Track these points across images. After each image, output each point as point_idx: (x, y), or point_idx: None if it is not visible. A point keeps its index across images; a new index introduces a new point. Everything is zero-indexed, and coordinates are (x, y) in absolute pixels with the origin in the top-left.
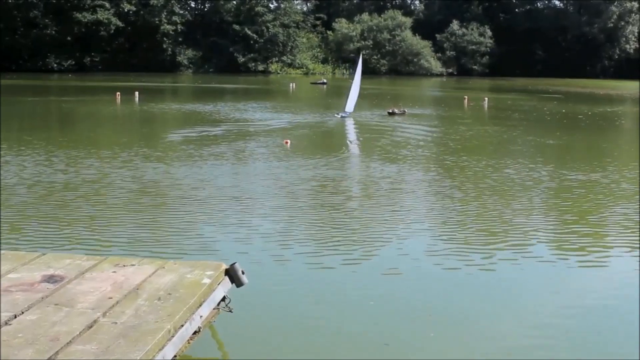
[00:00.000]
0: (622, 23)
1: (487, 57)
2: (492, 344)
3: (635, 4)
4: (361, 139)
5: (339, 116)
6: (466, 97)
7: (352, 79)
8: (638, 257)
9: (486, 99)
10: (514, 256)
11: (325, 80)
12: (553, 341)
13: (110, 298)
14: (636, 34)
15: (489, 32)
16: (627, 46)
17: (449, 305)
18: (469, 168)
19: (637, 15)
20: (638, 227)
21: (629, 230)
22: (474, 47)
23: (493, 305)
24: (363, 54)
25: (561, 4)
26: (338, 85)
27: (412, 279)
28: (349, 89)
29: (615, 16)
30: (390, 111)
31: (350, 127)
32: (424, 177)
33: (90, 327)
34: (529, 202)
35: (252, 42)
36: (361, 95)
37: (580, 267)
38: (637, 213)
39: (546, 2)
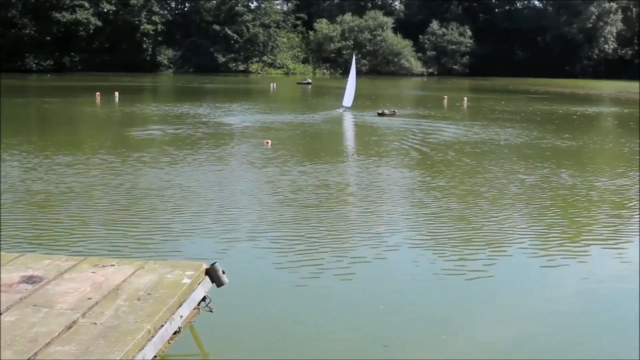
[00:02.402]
0: (601, 23)
1: (468, 57)
2: (476, 345)
3: (614, 5)
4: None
5: (339, 110)
6: (446, 97)
7: (346, 78)
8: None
9: (465, 98)
10: (494, 257)
11: (310, 80)
12: (538, 342)
13: (90, 299)
14: (615, 34)
15: (469, 32)
16: (606, 46)
17: (431, 307)
18: (450, 169)
19: (616, 16)
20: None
21: (610, 230)
22: (454, 47)
23: (477, 307)
24: (355, 56)
25: (540, 4)
26: (319, 85)
27: (394, 280)
28: (344, 87)
29: (594, 16)
30: (380, 112)
31: (336, 127)
32: (408, 177)
33: (69, 327)
34: (512, 203)
35: (232, 42)
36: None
37: (559, 266)
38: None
39: (526, 2)
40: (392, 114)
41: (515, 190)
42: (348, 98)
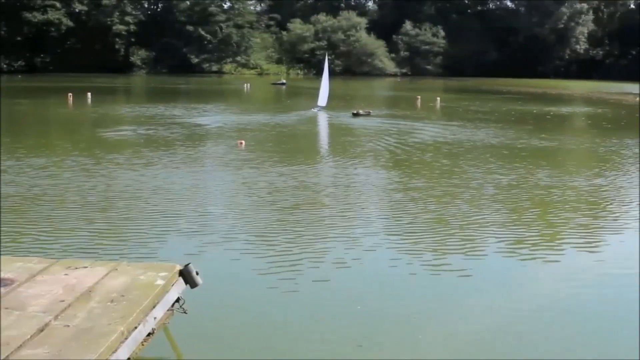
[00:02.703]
0: (572, 24)
1: (441, 57)
2: (453, 344)
3: (585, 5)
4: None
5: (314, 110)
6: (419, 97)
7: (320, 78)
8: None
9: (438, 99)
10: (472, 257)
11: (284, 81)
12: (514, 340)
13: (62, 301)
14: (586, 34)
15: (442, 33)
16: (577, 47)
17: (407, 307)
18: (426, 170)
19: (587, 16)
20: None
21: (585, 230)
22: (427, 47)
23: (453, 306)
24: (329, 57)
25: (513, 5)
26: (293, 85)
27: (370, 281)
28: (319, 87)
29: (565, 17)
30: (355, 112)
31: (311, 127)
32: (385, 177)
33: (41, 330)
34: (489, 204)
35: (205, 42)
36: (318, 96)
37: (535, 266)
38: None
39: (498, 2)
40: (367, 115)
41: (492, 190)
42: (322, 98)
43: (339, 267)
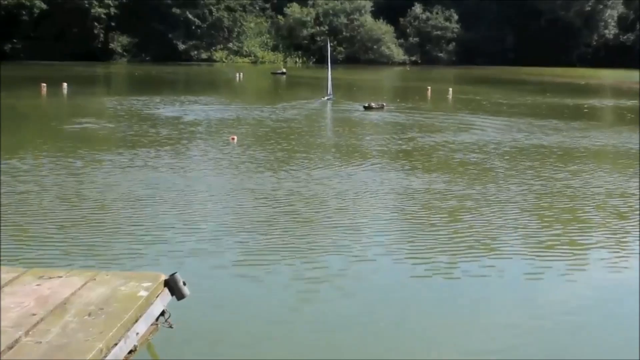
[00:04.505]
0: (601, 7)
1: (454, 44)
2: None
3: None
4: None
5: (325, 99)
6: (429, 87)
7: (324, 66)
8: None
9: (450, 89)
10: (487, 265)
11: (284, 70)
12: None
13: (34, 314)
14: (616, 18)
15: (455, 17)
16: (606, 32)
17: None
18: (456, 172)
19: None
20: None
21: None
22: (439, 32)
23: (466, 313)
24: (330, 44)
25: None
26: (292, 75)
27: (363, 291)
28: (320, 76)
29: None
30: (367, 105)
31: (315, 122)
32: (389, 178)
33: (11, 347)
34: (512, 210)
35: (193, 27)
36: (323, 88)
37: (551, 271)
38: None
39: None
40: (380, 108)
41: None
42: (330, 87)
43: (339, 280)
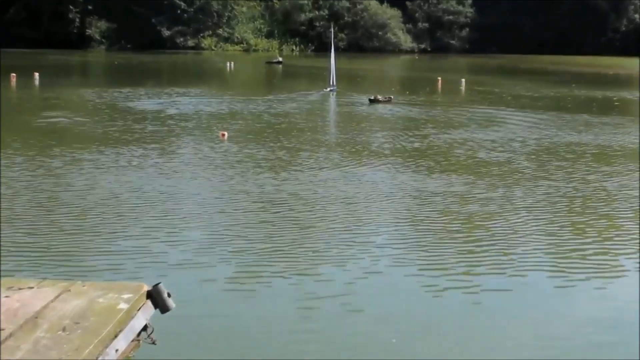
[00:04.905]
0: None
1: (467, 29)
2: None
3: None
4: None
5: (327, 90)
6: (439, 78)
7: (326, 54)
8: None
9: (463, 80)
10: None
11: (280, 59)
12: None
13: (2, 330)
14: None
15: (469, 0)
16: (637, 16)
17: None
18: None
19: None
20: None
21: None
22: (451, 17)
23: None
24: (331, 30)
25: None
26: (289, 64)
27: (360, 304)
28: (320, 66)
29: None
30: (373, 98)
31: (314, 117)
32: (402, 180)
33: None
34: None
35: (179, 11)
36: (323, 78)
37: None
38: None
39: None
40: (388, 101)
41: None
42: (334, 77)
43: (344, 296)
